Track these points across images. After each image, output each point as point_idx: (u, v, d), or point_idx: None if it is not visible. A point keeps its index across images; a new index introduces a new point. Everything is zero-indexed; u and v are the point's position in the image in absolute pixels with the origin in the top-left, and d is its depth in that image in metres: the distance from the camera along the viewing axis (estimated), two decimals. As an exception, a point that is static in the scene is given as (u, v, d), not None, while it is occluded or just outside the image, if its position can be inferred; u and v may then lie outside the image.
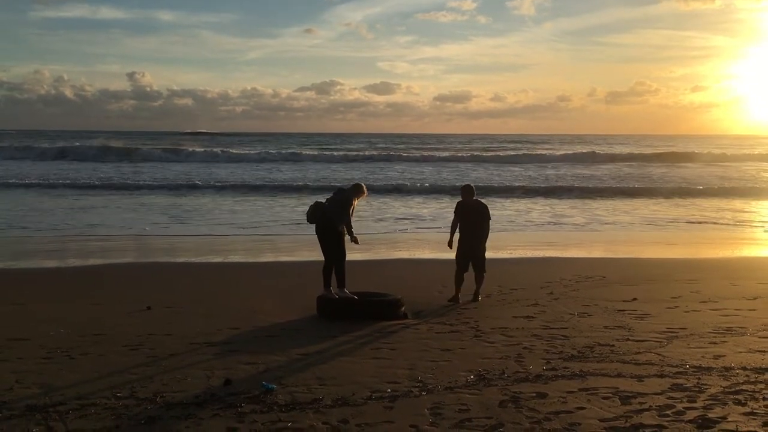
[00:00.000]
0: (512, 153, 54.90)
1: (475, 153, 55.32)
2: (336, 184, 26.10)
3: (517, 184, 30.97)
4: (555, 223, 20.14)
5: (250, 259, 13.41)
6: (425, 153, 54.79)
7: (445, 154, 54.34)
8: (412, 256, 13.43)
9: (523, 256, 13.91)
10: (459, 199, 9.69)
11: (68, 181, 30.46)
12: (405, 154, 52.13)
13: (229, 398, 5.48)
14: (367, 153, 53.37)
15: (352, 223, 8.80)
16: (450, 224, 9.76)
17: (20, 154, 47.63)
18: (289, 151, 53.89)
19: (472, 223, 9.47)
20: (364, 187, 9.01)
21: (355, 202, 8.83)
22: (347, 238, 8.69)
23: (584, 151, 55.39)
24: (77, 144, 52.17)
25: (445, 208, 22.58)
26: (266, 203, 24.45)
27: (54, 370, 6.23)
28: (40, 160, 44.95)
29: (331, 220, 8.56)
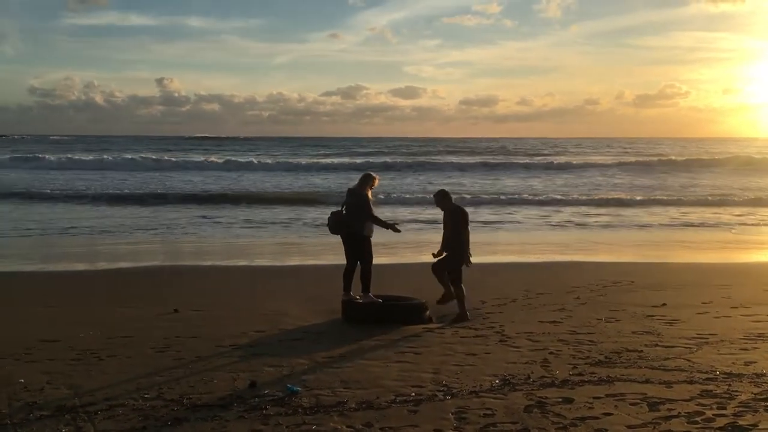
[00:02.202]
0: (555, 159, 53.67)
1: (517, 158, 54.32)
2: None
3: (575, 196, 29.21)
4: (582, 225, 20.00)
5: (276, 263, 13.50)
6: (457, 159, 54.00)
7: (495, 160, 52.55)
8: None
9: (550, 260, 13.82)
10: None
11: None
12: (438, 160, 51.50)
13: (254, 401, 5.53)
14: (413, 159, 52.28)
15: (377, 215, 8.67)
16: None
17: (106, 165, 44.16)
18: (338, 159, 52.79)
19: (447, 230, 8.65)
20: (373, 174, 8.87)
21: (370, 194, 8.70)
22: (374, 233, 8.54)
23: (636, 159, 53.70)
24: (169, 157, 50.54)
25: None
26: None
27: (83, 371, 6.34)
28: (137, 170, 41.78)
29: (355, 228, 8.54)
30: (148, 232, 17.96)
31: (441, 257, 8.70)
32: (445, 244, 8.66)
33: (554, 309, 9.16)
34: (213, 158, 51.69)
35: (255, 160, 49.26)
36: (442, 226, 8.81)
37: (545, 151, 73.07)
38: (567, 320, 8.51)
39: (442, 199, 8.75)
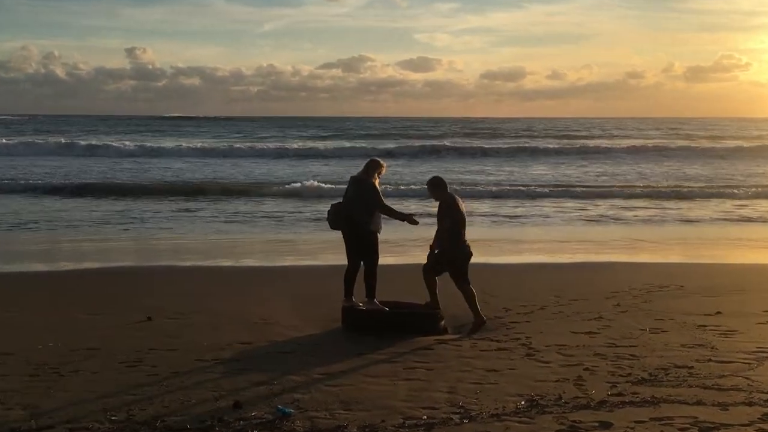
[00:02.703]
0: (592, 142, 53.36)
1: (547, 142, 53.92)
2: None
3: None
4: (622, 220, 19.96)
5: (266, 263, 13.53)
6: (477, 142, 53.73)
7: (522, 143, 52.17)
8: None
9: (585, 260, 13.79)
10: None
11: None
12: (455, 144, 51.21)
13: (239, 424, 5.54)
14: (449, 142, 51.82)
15: (389, 205, 8.66)
16: None
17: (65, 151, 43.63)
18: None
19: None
20: (380, 160, 8.83)
21: (378, 183, 8.68)
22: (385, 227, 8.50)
23: (686, 143, 53.19)
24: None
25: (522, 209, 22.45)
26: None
27: (41, 389, 6.36)
28: (104, 155, 41.87)
29: (360, 224, 8.52)
30: (118, 228, 18.01)
31: (433, 254, 8.71)
32: (440, 240, 8.65)
33: (590, 318, 9.14)
34: (192, 142, 51.69)
35: (241, 145, 49.27)
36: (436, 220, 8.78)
37: (580, 133, 72.90)
38: (605, 331, 8.49)
39: (435, 188, 8.68)
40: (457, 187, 24.73)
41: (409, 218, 8.69)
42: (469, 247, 8.64)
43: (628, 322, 8.90)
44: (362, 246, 8.60)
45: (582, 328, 8.61)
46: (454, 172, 34.37)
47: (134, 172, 33.57)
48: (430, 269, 8.75)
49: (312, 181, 28.36)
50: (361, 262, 8.69)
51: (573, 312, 9.49)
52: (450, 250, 8.57)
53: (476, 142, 54.62)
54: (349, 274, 8.70)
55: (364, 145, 50.94)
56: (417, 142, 52.55)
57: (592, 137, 66.05)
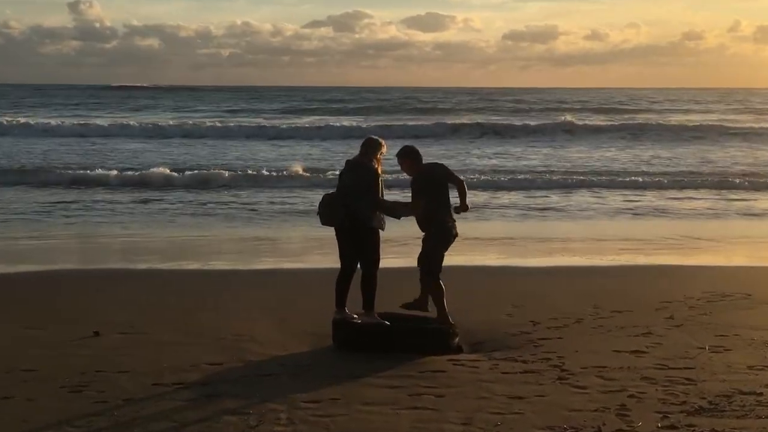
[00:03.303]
0: (639, 118, 53.09)
1: (585, 118, 53.74)
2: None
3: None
4: (675, 214, 19.98)
5: (240, 266, 13.56)
6: (500, 119, 53.38)
7: (554, 119, 51.25)
8: (472, 263, 13.41)
9: (630, 262, 13.81)
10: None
11: None
12: (473, 121, 50.93)
13: (208, 462, 5.54)
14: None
15: (387, 197, 8.71)
16: None
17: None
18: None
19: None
20: (379, 139, 8.82)
21: (380, 167, 8.70)
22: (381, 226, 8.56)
23: (755, 120, 52.56)
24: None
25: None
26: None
27: (-35, 419, 6.35)
28: (41, 135, 41.30)
29: (360, 219, 8.48)
30: (59, 224, 18.03)
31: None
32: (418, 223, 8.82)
33: (636, 333, 9.14)
34: (150, 118, 51.58)
35: (210, 121, 49.20)
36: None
37: (625, 107, 72.81)
38: (654, 349, 8.49)
39: (407, 159, 8.87)
40: (473, 177, 24.81)
41: (408, 211, 8.76)
42: (455, 227, 8.77)
43: (684, 339, 8.89)
44: (360, 246, 8.57)
45: (626, 346, 8.60)
46: (472, 156, 34.43)
47: (80, 155, 33.58)
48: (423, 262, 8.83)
49: (296, 165, 28.45)
50: (357, 266, 8.69)
51: (615, 326, 9.49)
52: (428, 231, 8.72)
53: (497, 118, 54.55)
54: (343, 279, 8.68)
55: (360, 122, 50.87)
56: (427, 119, 52.38)
57: (640, 111, 65.97)
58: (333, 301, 8.71)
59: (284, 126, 47.95)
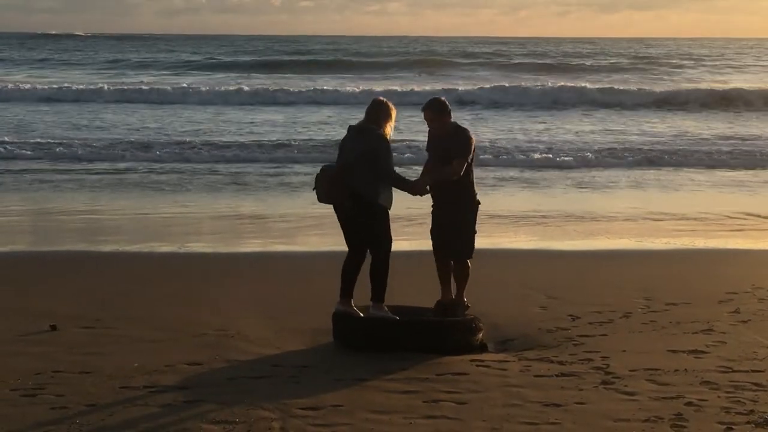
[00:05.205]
0: (705, 80, 52.01)
1: (634, 78, 52.84)
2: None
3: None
4: (741, 186, 19.95)
5: (223, 248, 13.59)
6: (530, 77, 52.65)
7: (593, 81, 49.83)
8: (499, 245, 13.39)
9: (688, 246, 13.82)
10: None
11: None
12: (498, 82, 50.05)
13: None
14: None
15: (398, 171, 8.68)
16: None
17: None
18: None
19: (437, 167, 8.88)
20: (389, 103, 8.68)
21: (389, 132, 8.60)
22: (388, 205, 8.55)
23: None
24: None
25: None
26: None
27: None
28: None
29: (365, 196, 8.42)
30: (9, 199, 18.07)
31: (437, 207, 8.86)
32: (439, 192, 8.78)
33: (695, 330, 9.15)
34: (113, 76, 51.38)
35: (186, 83, 48.84)
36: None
37: (687, 64, 72.20)
38: (717, 349, 8.49)
39: (440, 113, 8.76)
40: (502, 147, 24.72)
41: (420, 189, 8.65)
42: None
43: (751, 337, 8.90)
44: (368, 229, 8.51)
45: (684, 345, 8.60)
46: (498, 124, 34.30)
47: (31, 119, 33.52)
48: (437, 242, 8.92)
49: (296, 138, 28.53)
50: (366, 251, 8.64)
51: (670, 322, 9.49)
52: (456, 200, 8.73)
53: (527, 77, 53.57)
54: (350, 266, 8.63)
55: (364, 83, 50.35)
56: (445, 78, 52.02)
57: (706, 70, 64.98)
58: (335, 291, 8.70)
59: (274, 86, 47.05)
